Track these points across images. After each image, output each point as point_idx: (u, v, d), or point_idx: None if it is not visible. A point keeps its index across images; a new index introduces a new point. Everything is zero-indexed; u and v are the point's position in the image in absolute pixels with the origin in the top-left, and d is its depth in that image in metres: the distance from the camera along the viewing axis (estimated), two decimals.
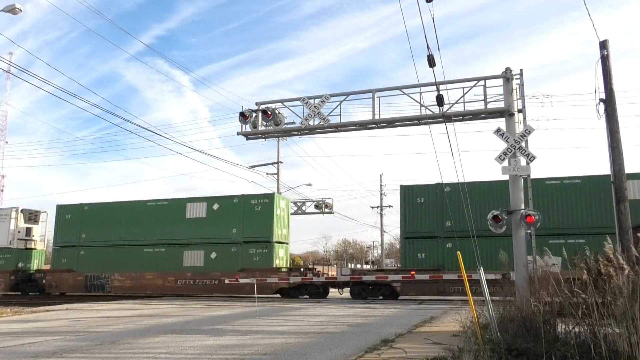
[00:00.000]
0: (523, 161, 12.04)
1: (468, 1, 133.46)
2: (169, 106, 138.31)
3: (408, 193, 23.16)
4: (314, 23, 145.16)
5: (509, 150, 12.04)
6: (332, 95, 14.94)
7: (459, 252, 8.05)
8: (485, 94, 13.39)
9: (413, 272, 21.53)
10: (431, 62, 9.16)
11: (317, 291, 23.69)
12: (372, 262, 70.52)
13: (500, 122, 12.96)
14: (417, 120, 14.18)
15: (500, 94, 13.21)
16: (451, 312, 14.27)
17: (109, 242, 27.14)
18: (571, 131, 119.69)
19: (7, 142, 77.68)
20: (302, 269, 26.51)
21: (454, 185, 21.08)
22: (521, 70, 12.99)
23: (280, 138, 32.19)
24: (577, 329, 6.62)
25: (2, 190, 75.74)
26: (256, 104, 15.39)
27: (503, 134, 12.28)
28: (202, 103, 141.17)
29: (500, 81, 13.25)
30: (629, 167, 10.39)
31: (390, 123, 14.65)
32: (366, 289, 22.71)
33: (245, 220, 24.89)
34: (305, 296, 23.66)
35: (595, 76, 10.17)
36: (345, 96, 14.87)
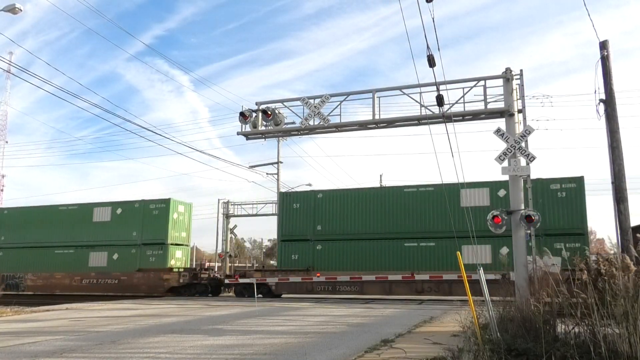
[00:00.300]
0: (523, 161, 12.04)
1: (468, 1, 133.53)
2: (169, 106, 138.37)
3: (286, 199, 25.41)
4: (314, 23, 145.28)
5: (508, 150, 12.04)
6: (332, 95, 14.94)
7: (458, 253, 8.04)
8: (485, 94, 13.39)
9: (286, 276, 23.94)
10: (431, 62, 9.17)
11: (205, 290, 25.79)
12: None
13: (500, 122, 12.96)
14: (417, 120, 14.17)
15: (500, 94, 13.21)
16: (451, 312, 14.27)
17: (25, 244, 29.12)
18: (571, 131, 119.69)
19: (7, 142, 77.70)
20: (196, 269, 27.92)
21: (326, 192, 24.79)
22: (521, 70, 13.00)
23: (280, 138, 32.19)
24: (576, 329, 6.62)
25: (2, 190, 75.76)
26: (256, 103, 15.39)
27: (503, 134, 12.28)
28: (202, 103, 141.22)
29: (500, 81, 13.25)
30: (629, 167, 10.40)
31: (391, 123, 14.64)
32: (247, 288, 24.20)
33: (144, 224, 26.97)
34: (196, 295, 25.52)
35: (595, 76, 10.20)
36: (345, 96, 14.87)
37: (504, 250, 20.46)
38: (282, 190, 34.99)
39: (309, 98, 14.99)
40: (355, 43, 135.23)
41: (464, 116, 13.77)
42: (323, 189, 25.19)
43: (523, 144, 12.02)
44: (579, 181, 21.38)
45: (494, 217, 11.82)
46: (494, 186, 22.21)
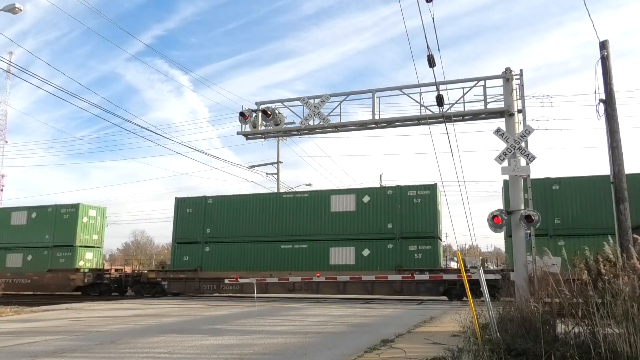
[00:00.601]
0: (523, 161, 12.03)
1: (468, 1, 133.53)
2: (168, 106, 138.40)
3: (180, 204, 26.94)
4: (314, 23, 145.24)
5: (508, 150, 12.03)
6: (332, 95, 14.93)
7: (458, 252, 8.04)
8: (485, 94, 13.38)
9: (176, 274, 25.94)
10: (431, 62, 9.17)
11: (109, 289, 27.76)
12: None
13: (500, 122, 12.96)
14: (417, 120, 14.17)
15: (500, 94, 13.21)
16: (451, 312, 14.27)
17: None
18: (571, 131, 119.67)
19: (7, 142, 77.74)
20: (101, 270, 29.26)
21: (215, 198, 26.52)
22: (521, 70, 12.99)
23: (280, 138, 32.21)
24: (576, 329, 6.62)
25: (1, 190, 75.76)
26: (256, 103, 15.38)
27: (503, 134, 12.28)
28: (201, 103, 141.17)
29: (500, 81, 13.24)
30: (629, 167, 10.40)
31: (390, 123, 14.64)
32: (144, 287, 26.29)
33: (56, 227, 28.72)
34: (99, 294, 27.27)
35: (595, 77, 10.19)
36: (345, 96, 14.86)
37: (366, 252, 22.97)
38: (282, 190, 35.02)
39: (309, 98, 14.99)
40: (355, 43, 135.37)
41: (464, 116, 13.77)
42: (214, 195, 26.85)
43: (523, 144, 12.01)
44: (432, 188, 22.94)
45: (493, 217, 11.81)
46: (359, 193, 24.10)
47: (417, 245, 22.20)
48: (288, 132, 16.27)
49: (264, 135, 15.70)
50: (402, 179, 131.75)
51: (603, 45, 10.03)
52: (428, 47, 8.77)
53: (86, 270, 27.83)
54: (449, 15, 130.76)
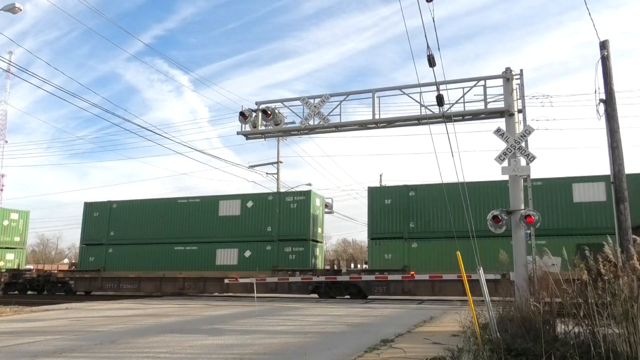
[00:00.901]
0: (523, 161, 12.02)
1: (468, 1, 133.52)
2: (168, 106, 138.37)
3: (88, 208, 28.84)
4: (313, 23, 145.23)
5: (508, 150, 12.02)
6: (332, 95, 14.92)
7: (458, 252, 8.03)
8: (485, 94, 13.36)
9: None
10: (431, 62, 9.15)
11: (24, 288, 29.06)
12: None
13: (500, 122, 12.94)
14: (417, 120, 14.15)
15: (500, 94, 13.19)
16: (451, 312, 14.27)
17: None
18: (571, 131, 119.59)
19: (6, 142, 77.70)
20: (18, 270, 30.81)
21: (120, 203, 28.54)
22: (521, 70, 12.97)
23: (280, 138, 32.19)
24: (576, 329, 6.62)
25: (1, 190, 75.72)
26: (256, 103, 15.37)
27: (503, 134, 12.26)
28: (201, 103, 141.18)
29: (500, 81, 13.22)
30: (629, 167, 10.39)
31: (390, 123, 14.63)
32: (55, 287, 28.33)
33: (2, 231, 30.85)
34: (16, 291, 28.64)
35: (595, 76, 10.17)
36: (345, 96, 14.85)
37: (247, 253, 25.01)
38: (282, 189, 35.00)
39: (309, 98, 14.97)
40: (355, 43, 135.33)
41: (464, 116, 13.75)
42: (118, 200, 28.78)
43: (523, 144, 12.00)
44: (307, 194, 25.16)
45: (493, 216, 11.81)
46: (244, 198, 26.06)
47: (292, 247, 24.34)
48: (288, 132, 16.26)
49: (264, 135, 15.68)
50: (402, 178, 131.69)
51: (603, 45, 10.02)
52: (428, 46, 8.76)
53: (3, 271, 29.39)
54: (449, 15, 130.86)
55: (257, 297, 17.84)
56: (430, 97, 13.74)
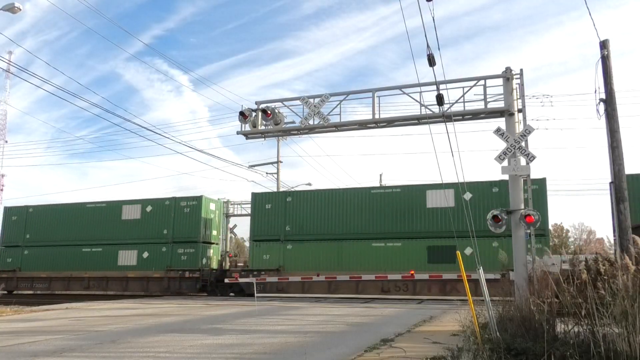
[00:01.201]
0: (523, 161, 12.02)
1: (468, 1, 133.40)
2: (168, 106, 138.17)
3: (7, 212, 31.20)
4: (313, 23, 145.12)
5: (508, 150, 12.02)
6: (331, 95, 14.91)
7: (458, 252, 8.04)
8: (485, 94, 13.35)
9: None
10: (431, 62, 9.13)
11: None
12: None
13: (500, 122, 12.94)
14: (417, 120, 14.15)
15: (500, 94, 13.18)
16: (450, 312, 14.27)
17: None
18: (571, 131, 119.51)
19: (6, 142, 77.65)
20: None
21: (35, 207, 30.67)
22: (521, 70, 12.97)
23: (279, 137, 32.18)
24: (576, 329, 6.62)
25: (1, 190, 75.72)
26: (256, 103, 15.36)
27: (503, 133, 12.26)
28: (201, 103, 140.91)
29: (500, 81, 13.22)
30: (629, 167, 10.38)
31: (390, 122, 14.62)
32: None
33: None
34: None
35: (595, 76, 10.17)
36: (345, 96, 14.85)
37: (145, 254, 27.19)
38: (282, 189, 34.99)
39: (309, 97, 14.97)
40: (355, 43, 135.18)
41: (464, 115, 13.75)
42: (34, 205, 30.91)
43: (523, 144, 12.00)
44: (199, 200, 27.17)
45: (493, 216, 11.81)
46: (144, 203, 28.19)
47: (184, 248, 26.64)
48: (288, 132, 16.25)
49: (264, 134, 15.68)
50: (402, 178, 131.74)
51: (603, 45, 10.01)
52: (428, 46, 8.74)
53: None
54: (448, 15, 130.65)
55: (257, 296, 17.84)
56: (430, 97, 13.76)
